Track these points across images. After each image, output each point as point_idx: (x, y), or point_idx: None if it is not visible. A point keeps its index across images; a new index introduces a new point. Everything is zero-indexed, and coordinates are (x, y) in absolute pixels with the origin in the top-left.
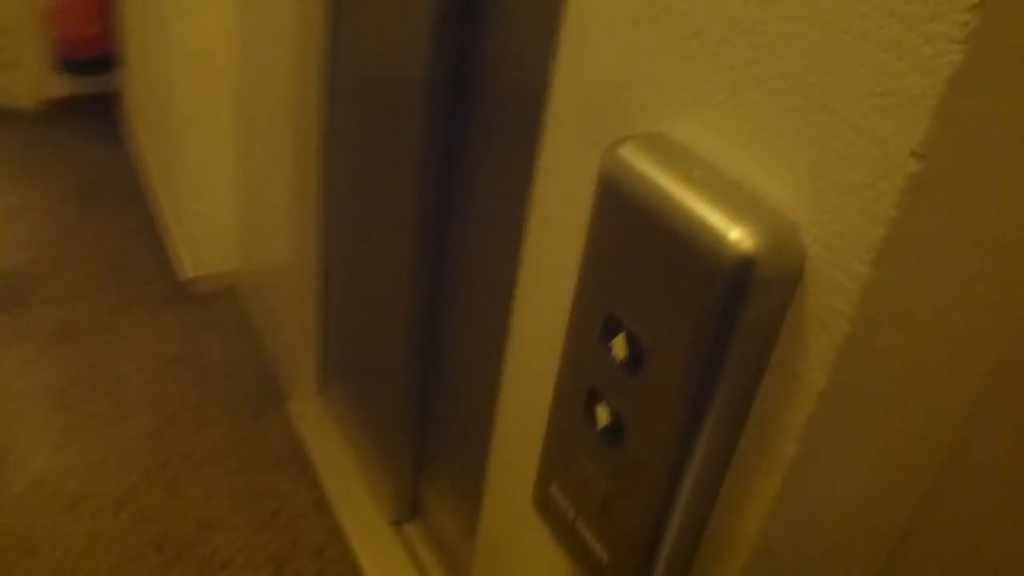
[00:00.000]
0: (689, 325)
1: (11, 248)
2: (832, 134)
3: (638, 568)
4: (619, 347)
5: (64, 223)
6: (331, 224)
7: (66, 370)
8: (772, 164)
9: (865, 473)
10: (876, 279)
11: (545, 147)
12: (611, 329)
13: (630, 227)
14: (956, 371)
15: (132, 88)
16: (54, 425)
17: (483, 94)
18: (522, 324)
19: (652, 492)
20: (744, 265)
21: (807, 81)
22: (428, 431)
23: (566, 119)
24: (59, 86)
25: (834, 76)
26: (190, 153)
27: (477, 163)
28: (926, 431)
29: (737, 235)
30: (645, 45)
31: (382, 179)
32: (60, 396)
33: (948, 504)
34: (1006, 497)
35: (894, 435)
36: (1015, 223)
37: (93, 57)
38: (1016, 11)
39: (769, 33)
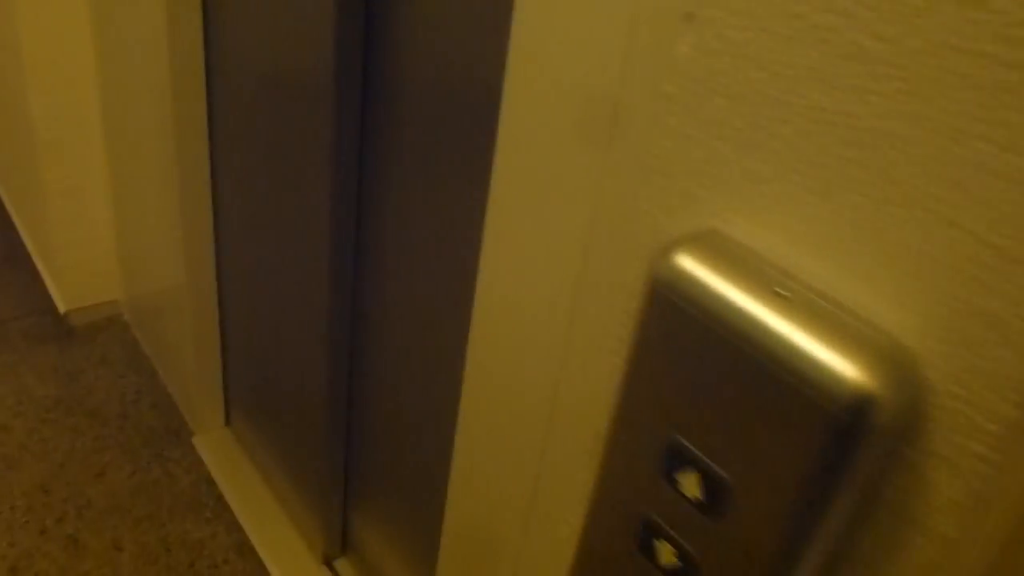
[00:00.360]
0: (786, 468)
1: None
2: (964, 255)
3: None
4: (691, 485)
5: None
6: (225, 240)
7: None
8: (879, 282)
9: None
10: None
11: (498, 200)
12: (676, 460)
13: (700, 349)
14: None
15: None
16: None
17: (396, 85)
18: (479, 392)
19: None
20: (860, 407)
21: (926, 192)
22: (354, 457)
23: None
24: None
25: (966, 190)
26: (53, 178)
27: (395, 160)
28: None
29: (851, 371)
30: (685, 127)
31: (284, 186)
32: None
33: None
34: None
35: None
36: None
37: None
38: None
39: (869, 131)
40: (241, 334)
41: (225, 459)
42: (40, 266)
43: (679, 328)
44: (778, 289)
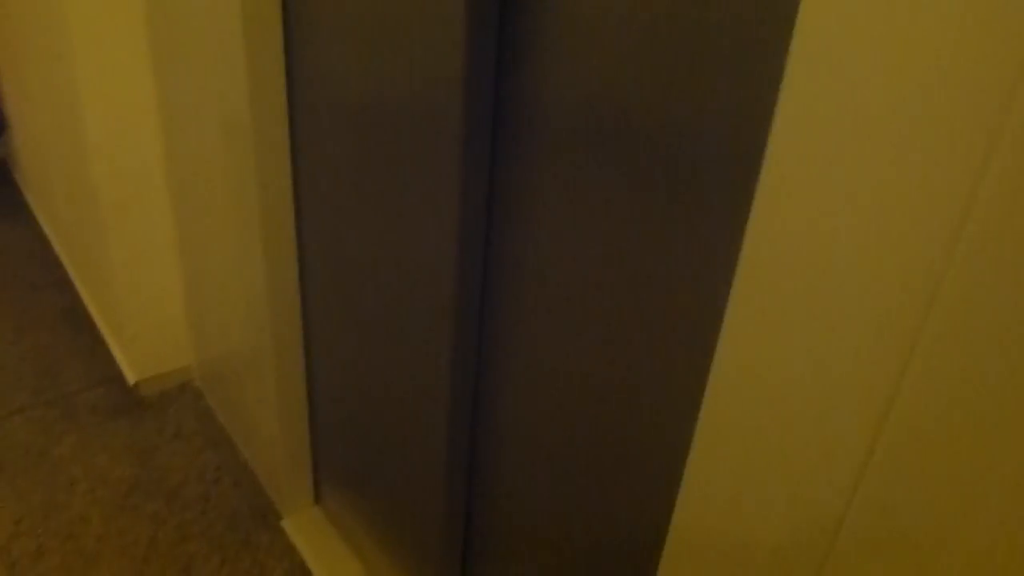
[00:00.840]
0: None
1: None
2: None
3: None
4: None
5: None
6: (312, 294)
7: (2, 518)
8: None
9: None
10: None
11: None
12: None
13: None
14: None
15: (29, 160)
16: None
17: (536, 123)
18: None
19: None
20: None
21: None
22: (474, 539)
23: None
24: None
25: None
26: (118, 242)
27: (534, 204)
28: None
29: None
30: None
31: (389, 234)
32: (1, 553)
33: None
34: None
35: None
36: None
37: None
38: None
39: None
40: (332, 399)
41: (319, 543)
42: (106, 334)
43: None
44: None
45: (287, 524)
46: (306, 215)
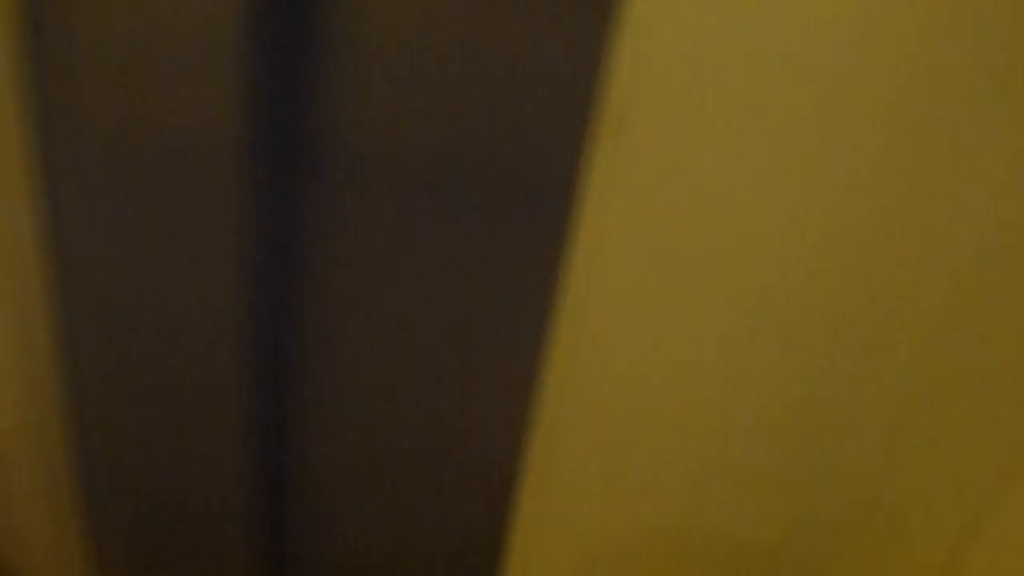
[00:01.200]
0: None
1: None
2: None
3: None
4: None
5: None
6: (82, 359)
7: None
8: None
9: None
10: None
11: None
12: None
13: None
14: None
15: None
16: None
17: (332, 148)
18: None
19: None
20: None
21: None
22: None
23: None
24: None
25: None
26: None
27: (335, 245)
28: None
29: None
30: None
31: (168, 278)
32: None
33: None
34: None
35: None
36: None
37: None
38: None
39: None
40: (112, 476)
41: None
42: None
43: None
44: None
45: None
46: (69, 265)
